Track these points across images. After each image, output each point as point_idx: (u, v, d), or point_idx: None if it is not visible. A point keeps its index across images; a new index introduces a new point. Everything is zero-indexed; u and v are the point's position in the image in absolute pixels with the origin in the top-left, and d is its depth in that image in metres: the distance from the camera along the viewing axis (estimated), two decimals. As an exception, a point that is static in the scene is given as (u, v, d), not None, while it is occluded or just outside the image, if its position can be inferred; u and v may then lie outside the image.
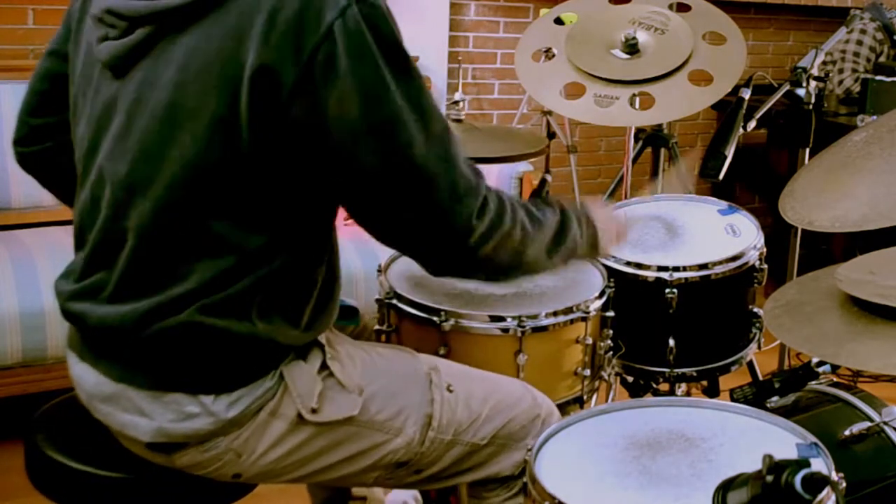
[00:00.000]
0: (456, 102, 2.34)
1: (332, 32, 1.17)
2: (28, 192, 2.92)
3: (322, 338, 1.40)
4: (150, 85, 1.26)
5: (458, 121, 2.35)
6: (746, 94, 2.16)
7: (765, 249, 2.06)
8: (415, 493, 2.01)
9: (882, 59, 4.16)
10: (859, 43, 4.20)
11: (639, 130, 2.83)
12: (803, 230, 2.03)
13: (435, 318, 1.62)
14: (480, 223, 1.28)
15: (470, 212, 1.27)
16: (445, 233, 1.28)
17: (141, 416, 1.32)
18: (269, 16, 1.18)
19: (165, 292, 1.28)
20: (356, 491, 1.86)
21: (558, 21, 2.48)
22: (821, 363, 1.62)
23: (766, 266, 2.05)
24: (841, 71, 4.21)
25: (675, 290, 1.94)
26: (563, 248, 1.44)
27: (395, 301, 1.69)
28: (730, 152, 2.07)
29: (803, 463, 1.00)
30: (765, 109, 2.25)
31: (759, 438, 1.34)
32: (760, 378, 2.23)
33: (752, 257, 2.02)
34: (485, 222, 1.29)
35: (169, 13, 1.23)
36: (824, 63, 3.81)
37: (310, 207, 1.31)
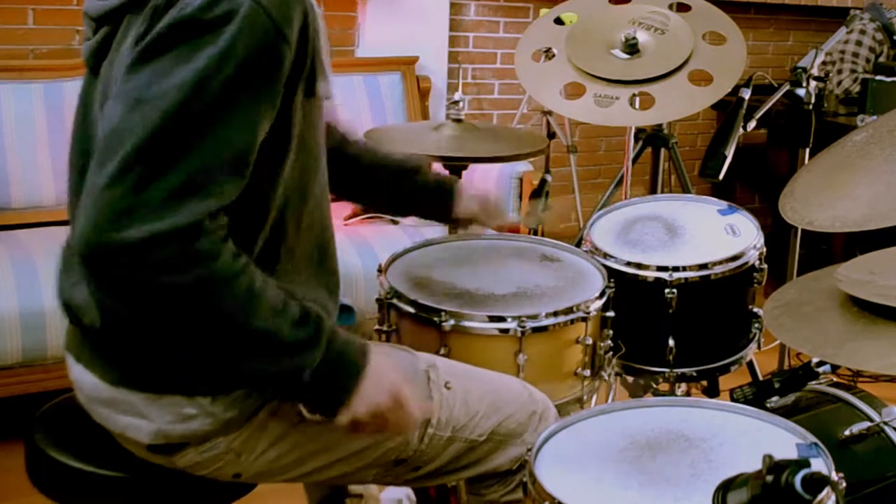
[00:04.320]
0: (455, 102, 2.34)
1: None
2: (28, 192, 2.92)
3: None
4: (105, 82, 1.29)
5: (458, 120, 2.35)
6: (746, 94, 2.16)
7: (765, 249, 2.05)
8: (408, 490, 2.01)
9: (882, 59, 4.16)
10: (859, 43, 4.20)
11: (639, 130, 2.83)
12: (803, 230, 2.03)
13: (435, 318, 1.62)
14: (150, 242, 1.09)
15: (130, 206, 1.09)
16: (96, 204, 1.11)
17: (140, 418, 1.32)
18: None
19: None
20: (353, 488, 1.86)
21: (558, 21, 2.48)
22: (821, 363, 1.62)
23: (765, 266, 2.05)
24: (840, 71, 4.21)
25: (674, 290, 1.94)
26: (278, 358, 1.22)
27: (395, 301, 1.69)
28: (730, 152, 2.08)
29: (803, 463, 1.00)
30: (765, 109, 2.25)
31: (759, 438, 1.34)
32: (760, 378, 2.23)
33: (752, 257, 2.02)
34: (164, 250, 1.09)
35: (114, 12, 1.28)
36: (824, 63, 3.81)
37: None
